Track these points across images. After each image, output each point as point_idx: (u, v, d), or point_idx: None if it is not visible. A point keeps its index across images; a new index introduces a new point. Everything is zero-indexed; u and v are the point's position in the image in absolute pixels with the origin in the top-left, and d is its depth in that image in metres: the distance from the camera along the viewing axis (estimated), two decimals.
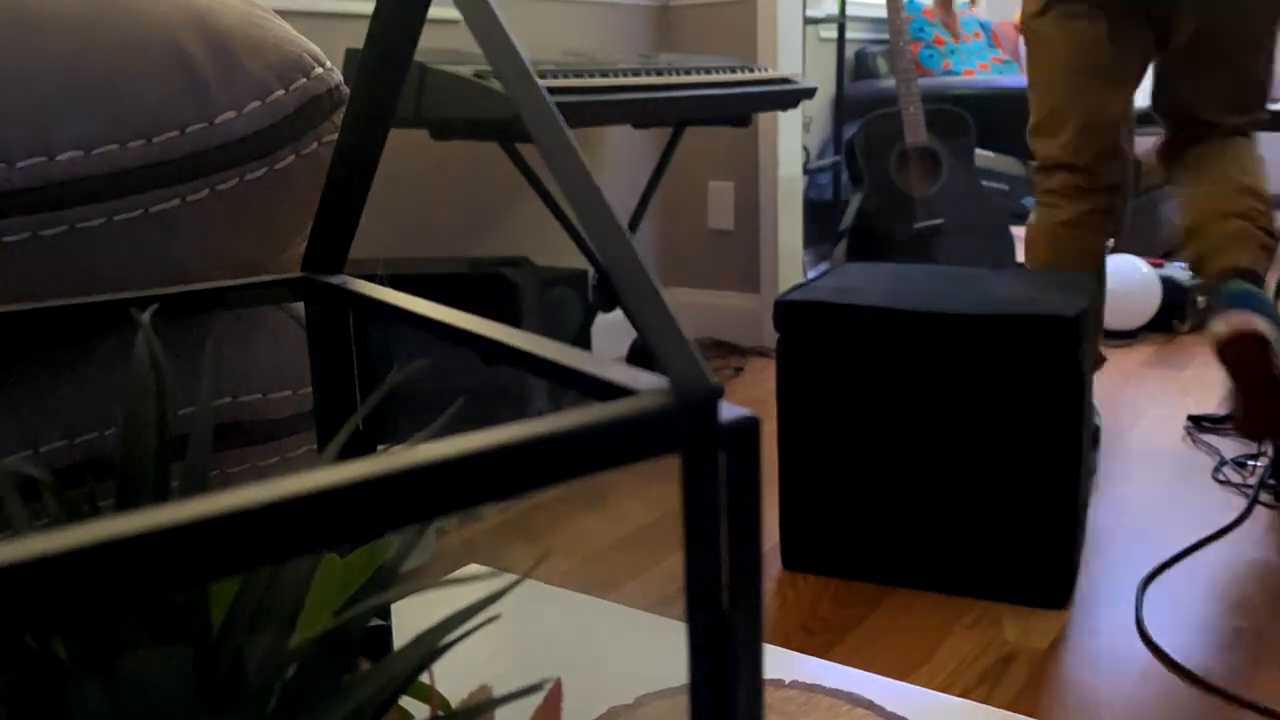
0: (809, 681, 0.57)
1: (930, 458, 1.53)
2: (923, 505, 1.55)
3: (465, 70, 1.79)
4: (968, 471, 1.51)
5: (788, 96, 2.31)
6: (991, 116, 3.31)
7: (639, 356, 2.58)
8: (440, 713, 0.32)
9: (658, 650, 0.61)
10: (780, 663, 0.59)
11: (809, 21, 3.02)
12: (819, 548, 1.62)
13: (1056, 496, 1.47)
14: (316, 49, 0.56)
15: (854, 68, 3.62)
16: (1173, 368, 2.63)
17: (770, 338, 2.96)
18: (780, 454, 1.62)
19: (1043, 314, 1.45)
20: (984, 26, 3.99)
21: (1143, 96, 1.91)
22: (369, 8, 2.10)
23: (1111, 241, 1.93)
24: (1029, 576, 1.51)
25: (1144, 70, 1.90)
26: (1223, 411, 2.25)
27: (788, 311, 1.58)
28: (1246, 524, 1.73)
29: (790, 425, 1.61)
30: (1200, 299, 2.90)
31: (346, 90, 0.57)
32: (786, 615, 1.51)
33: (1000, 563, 1.52)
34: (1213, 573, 1.58)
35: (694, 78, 2.13)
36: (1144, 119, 2.00)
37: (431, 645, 0.26)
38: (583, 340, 2.13)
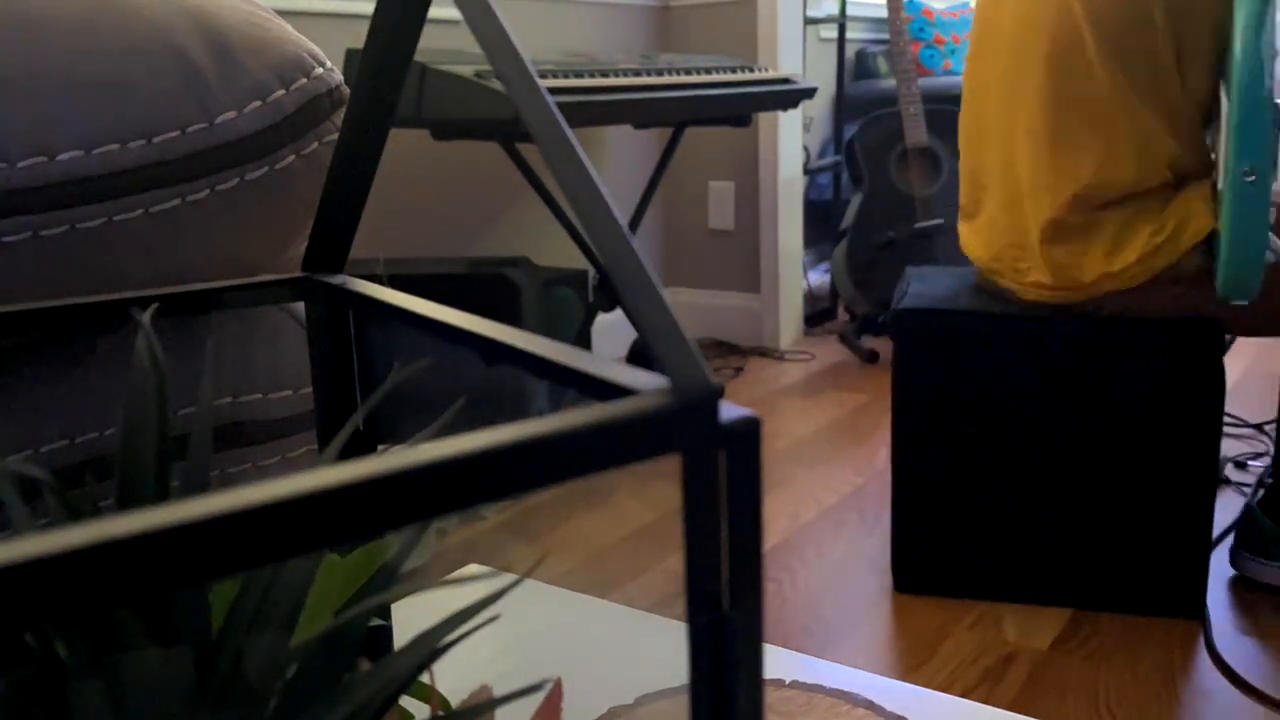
0: (809, 681, 0.57)
1: (1063, 467, 1.47)
2: (1051, 517, 1.49)
3: (465, 70, 1.79)
4: (1101, 478, 1.46)
5: (788, 96, 2.31)
6: None
7: (639, 356, 2.58)
8: (440, 713, 0.32)
9: (658, 650, 0.61)
10: (780, 663, 0.59)
11: (809, 21, 3.02)
12: (934, 566, 1.56)
13: (1194, 502, 1.42)
14: (317, 49, 0.56)
15: (854, 68, 3.62)
16: None
17: (770, 337, 2.96)
18: (895, 468, 1.55)
19: (1185, 315, 1.39)
20: None
21: None
22: (369, 8, 2.10)
23: None
24: (1168, 586, 1.45)
25: None
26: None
27: (907, 320, 1.51)
28: None
29: (905, 433, 1.54)
30: None
31: (346, 90, 0.57)
32: (786, 615, 1.51)
33: (1132, 573, 1.47)
34: (1213, 573, 1.58)
35: (694, 78, 2.13)
36: None
37: (431, 645, 0.26)
38: (583, 340, 2.13)
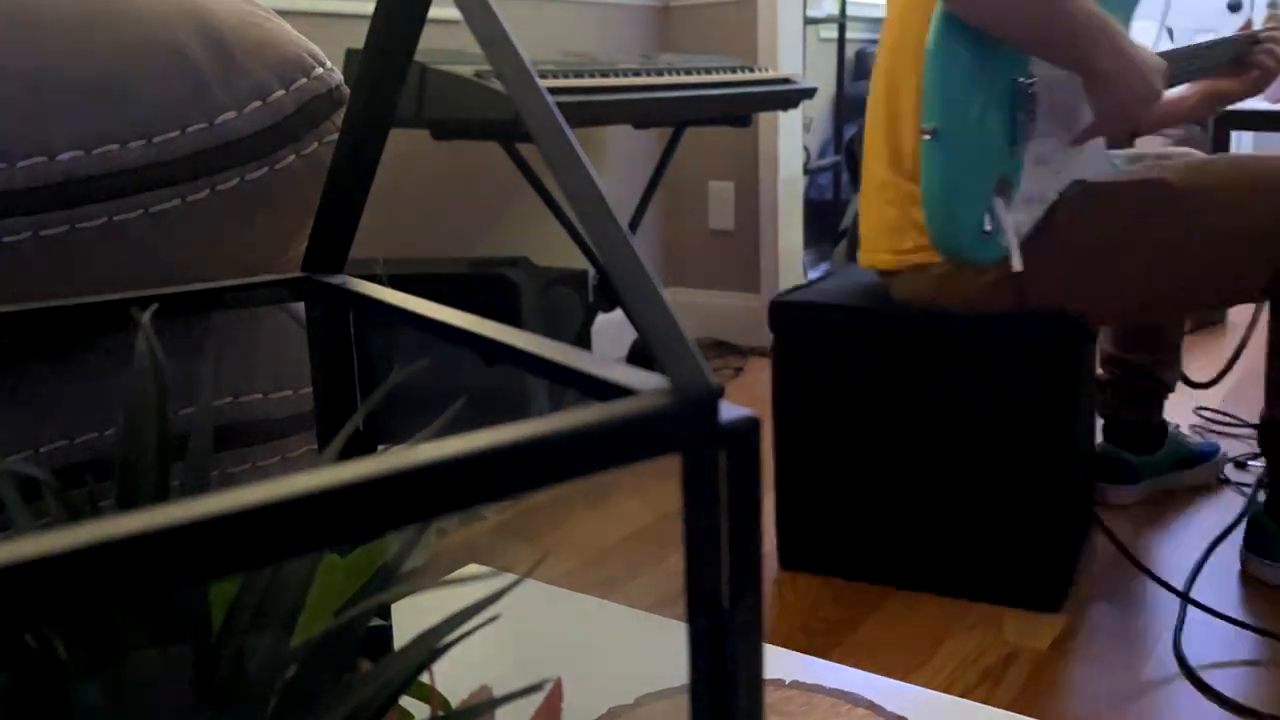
0: (809, 681, 0.57)
1: (927, 458, 1.53)
2: (919, 505, 1.55)
3: (465, 70, 1.79)
4: (963, 471, 1.51)
5: (788, 96, 2.31)
6: None
7: (639, 356, 2.58)
8: (440, 713, 0.32)
9: (658, 650, 0.61)
10: (780, 663, 0.59)
11: (809, 21, 3.02)
12: (816, 547, 1.62)
13: (1051, 496, 1.47)
14: (317, 49, 0.56)
15: (854, 68, 3.62)
16: None
17: (770, 338, 2.96)
18: (776, 453, 1.62)
19: (1043, 311, 1.44)
20: None
21: None
22: (369, 8, 2.10)
23: None
24: (1025, 578, 1.50)
25: None
26: (1225, 409, 2.25)
27: (783, 312, 1.58)
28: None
29: (787, 425, 1.61)
30: None
31: (347, 90, 0.57)
32: (787, 615, 1.51)
33: (997, 564, 1.51)
34: (1213, 573, 1.58)
35: (694, 78, 2.13)
36: None
37: (431, 645, 0.26)
38: (583, 340, 2.13)
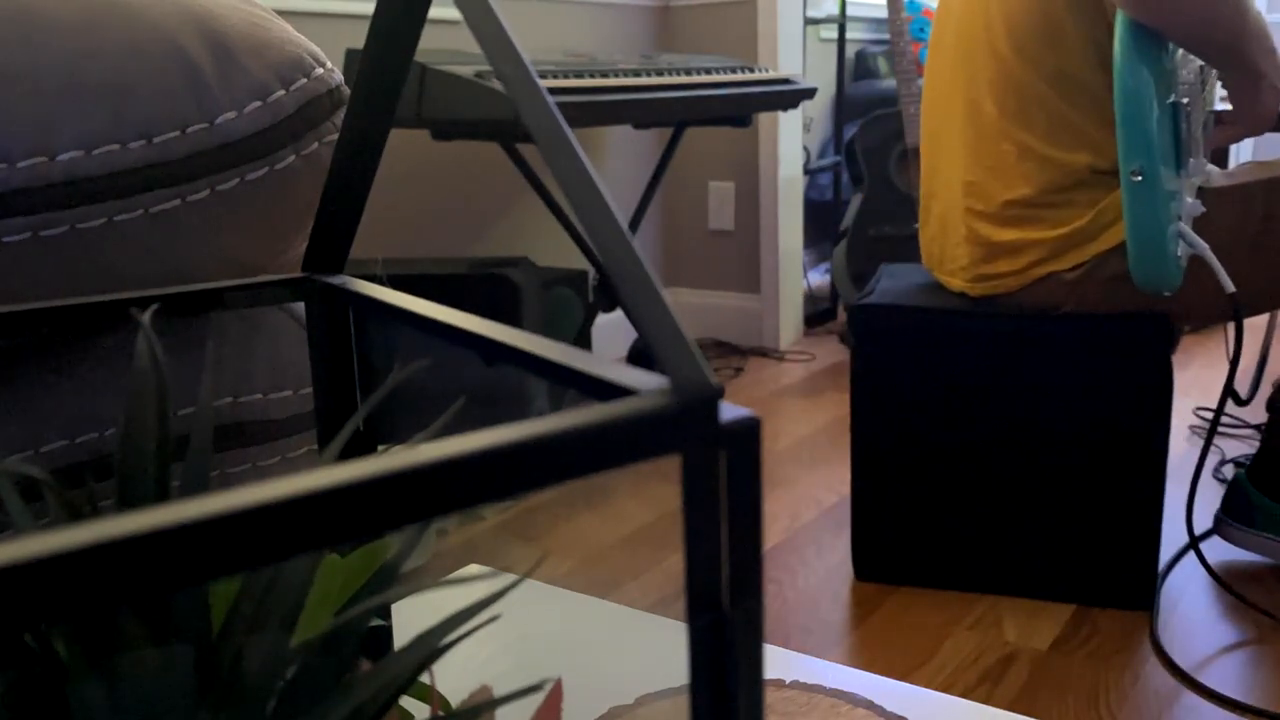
0: (809, 681, 0.57)
1: (1017, 459, 1.51)
2: (1006, 507, 1.53)
3: (465, 70, 1.79)
4: (1053, 470, 1.49)
5: (788, 97, 2.31)
6: None
7: (639, 356, 2.58)
8: (440, 713, 0.32)
9: (658, 650, 0.61)
10: (780, 663, 0.59)
11: (809, 21, 3.02)
12: (893, 556, 1.59)
13: (1145, 493, 1.46)
14: (317, 49, 0.56)
15: (854, 68, 3.62)
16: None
17: (770, 337, 2.96)
18: (854, 462, 1.58)
19: (1135, 311, 1.43)
20: None
21: None
22: (369, 8, 2.10)
23: None
24: (1120, 576, 1.49)
25: None
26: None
27: (866, 315, 1.55)
28: None
29: (864, 432, 1.57)
30: None
31: (347, 90, 0.57)
32: (787, 615, 1.51)
33: (1088, 564, 1.50)
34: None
35: (694, 78, 2.13)
36: None
37: (431, 645, 0.26)
38: (583, 340, 2.13)
